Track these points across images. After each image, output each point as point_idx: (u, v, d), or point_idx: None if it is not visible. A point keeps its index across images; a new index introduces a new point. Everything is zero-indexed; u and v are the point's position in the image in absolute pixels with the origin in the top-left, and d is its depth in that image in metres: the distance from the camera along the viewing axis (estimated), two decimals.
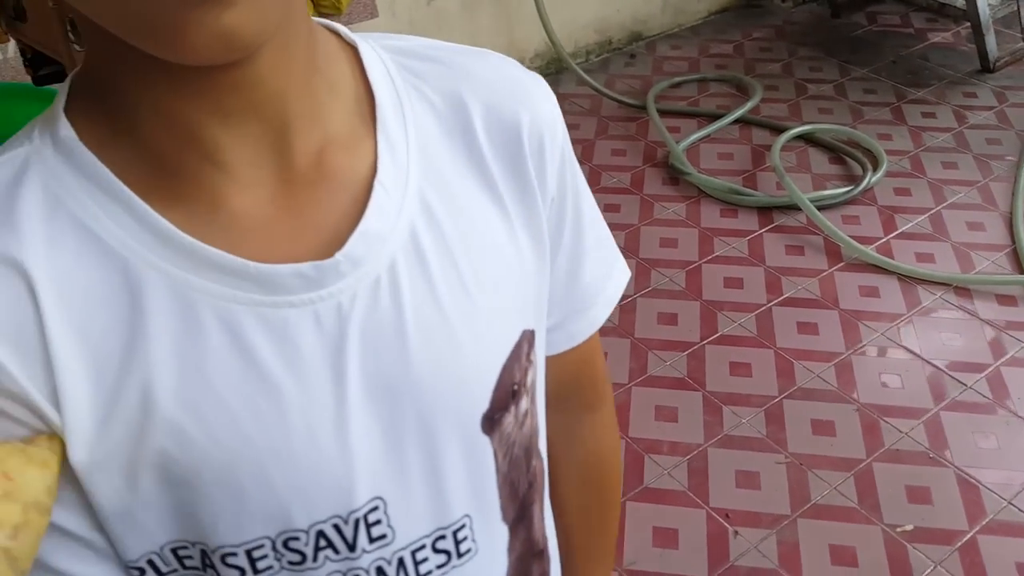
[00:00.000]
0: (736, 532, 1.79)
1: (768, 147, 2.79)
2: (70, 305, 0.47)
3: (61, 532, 0.50)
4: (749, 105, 3.00)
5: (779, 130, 2.86)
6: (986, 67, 3.17)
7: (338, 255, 0.50)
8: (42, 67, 1.41)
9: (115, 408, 0.48)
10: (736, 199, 2.62)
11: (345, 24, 0.57)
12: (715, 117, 2.96)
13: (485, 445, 0.57)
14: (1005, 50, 3.21)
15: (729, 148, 2.88)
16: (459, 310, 0.54)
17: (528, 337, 0.59)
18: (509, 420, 0.58)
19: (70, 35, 1.24)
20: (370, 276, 0.51)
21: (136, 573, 0.52)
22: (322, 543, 0.53)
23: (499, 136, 0.56)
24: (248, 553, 0.52)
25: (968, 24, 3.24)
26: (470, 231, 0.55)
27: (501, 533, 0.61)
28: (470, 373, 0.55)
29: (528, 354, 0.59)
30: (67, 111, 0.50)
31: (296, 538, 0.52)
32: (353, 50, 0.56)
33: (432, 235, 0.53)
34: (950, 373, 2.09)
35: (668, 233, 2.54)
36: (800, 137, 2.85)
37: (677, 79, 3.22)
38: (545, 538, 0.68)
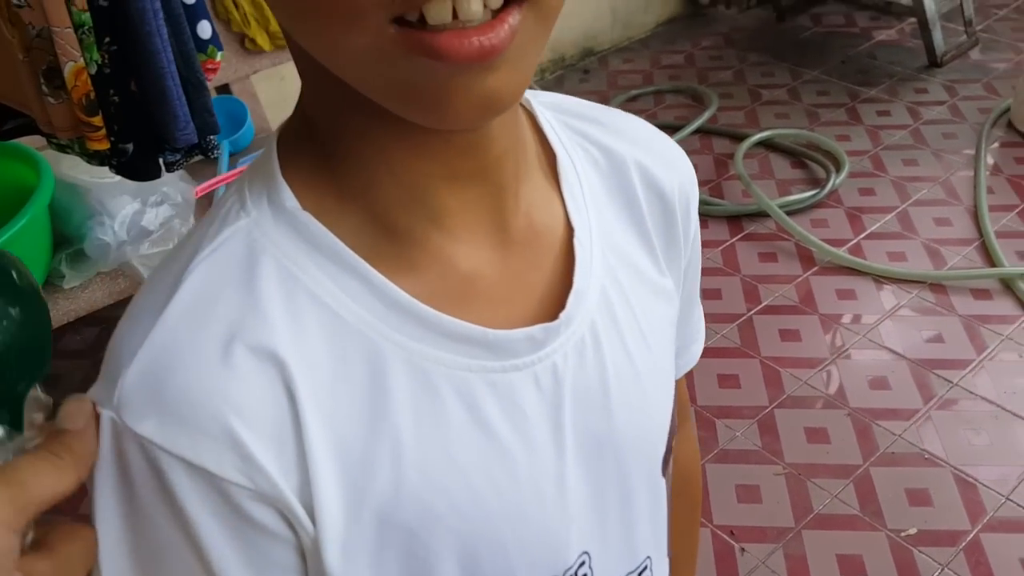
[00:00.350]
0: (743, 549, 1.77)
1: (730, 156, 2.79)
2: (319, 393, 0.45)
3: None
4: (707, 115, 3.01)
5: (739, 138, 2.87)
6: (934, 62, 3.22)
7: (560, 319, 0.50)
8: (7, 121, 1.36)
9: (364, 495, 0.45)
10: (705, 209, 2.62)
11: None
12: (675, 129, 2.96)
13: (663, 485, 0.60)
14: (950, 44, 3.26)
15: (692, 159, 2.81)
16: (644, 362, 0.55)
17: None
18: (671, 459, 0.61)
19: (43, 88, 1.19)
20: (576, 335, 0.51)
21: None
22: None
23: (655, 195, 0.58)
24: None
25: (912, 20, 3.29)
26: (639, 285, 0.56)
27: (665, 567, 0.63)
28: (656, 421, 0.58)
29: None
30: (284, 172, 0.47)
31: None
32: (523, 107, 0.55)
33: (616, 291, 0.54)
34: (935, 371, 2.10)
35: None
36: (760, 144, 2.87)
37: (633, 92, 3.22)
38: None
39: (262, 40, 1.88)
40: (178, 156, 1.33)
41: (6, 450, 0.43)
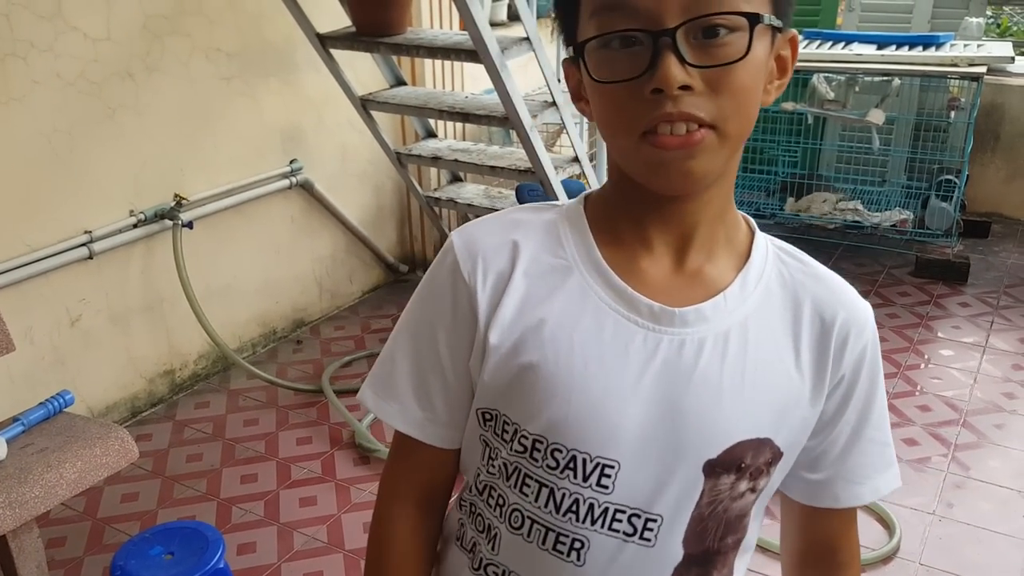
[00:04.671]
0: None
1: None
2: (528, 271, 0.84)
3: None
4: None
5: None
6: None
7: (675, 310, 0.81)
8: None
9: (518, 325, 0.83)
10: None
11: None
12: None
13: (699, 482, 0.81)
14: None
15: None
16: (730, 389, 0.81)
17: (771, 448, 0.83)
18: (725, 482, 0.82)
19: None
20: (686, 336, 0.81)
21: (475, 414, 0.87)
22: (571, 464, 0.81)
23: (818, 318, 0.85)
24: (521, 437, 0.83)
25: None
26: (767, 355, 0.83)
27: (676, 551, 0.84)
28: (716, 430, 0.81)
29: (766, 458, 0.84)
30: (585, 201, 0.88)
31: (559, 450, 0.81)
32: (753, 234, 0.88)
33: (738, 342, 0.82)
34: None
35: (368, 517, 2.47)
36: None
37: (347, 358, 3.28)
38: None
39: None
40: None
41: None
